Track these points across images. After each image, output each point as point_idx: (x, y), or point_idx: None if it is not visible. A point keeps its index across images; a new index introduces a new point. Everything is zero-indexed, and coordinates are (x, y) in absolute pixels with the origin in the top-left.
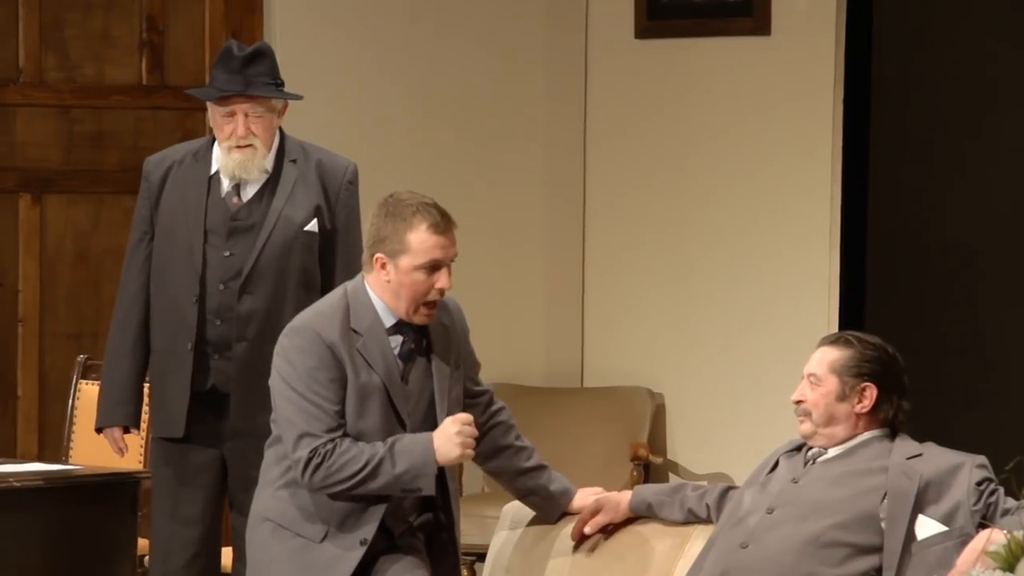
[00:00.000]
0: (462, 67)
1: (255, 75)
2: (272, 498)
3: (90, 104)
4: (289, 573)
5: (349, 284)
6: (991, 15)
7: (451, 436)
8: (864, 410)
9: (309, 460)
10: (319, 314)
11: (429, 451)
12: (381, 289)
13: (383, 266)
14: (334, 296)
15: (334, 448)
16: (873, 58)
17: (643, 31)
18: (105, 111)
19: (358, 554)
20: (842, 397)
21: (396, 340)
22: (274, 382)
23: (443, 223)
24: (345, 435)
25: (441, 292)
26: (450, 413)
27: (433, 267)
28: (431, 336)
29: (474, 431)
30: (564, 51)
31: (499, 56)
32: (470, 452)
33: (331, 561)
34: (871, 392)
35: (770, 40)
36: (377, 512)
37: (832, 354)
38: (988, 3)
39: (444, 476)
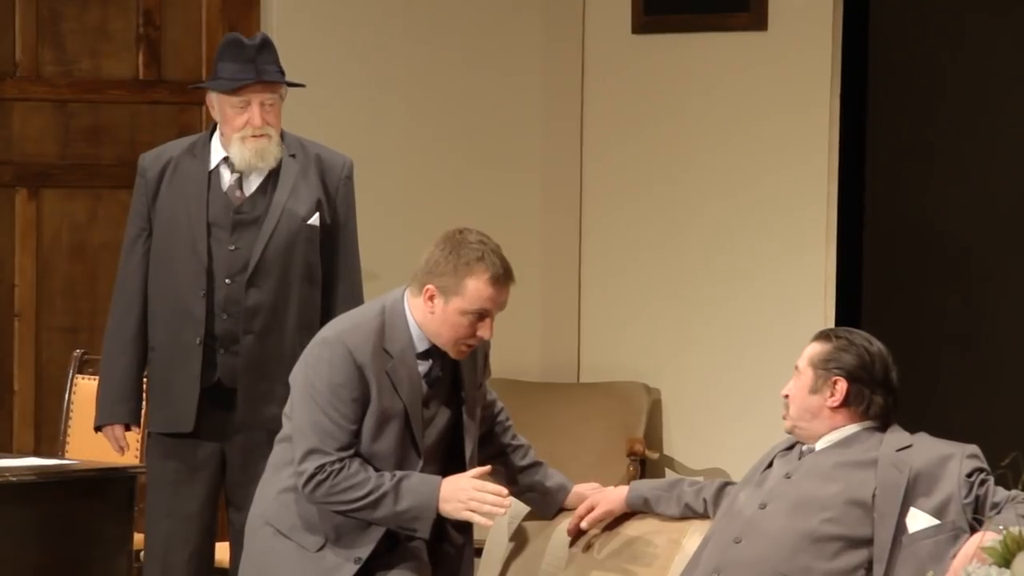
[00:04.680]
0: (459, 62)
1: (265, 63)
2: (275, 501)
3: (87, 98)
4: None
5: (388, 300)
6: (989, 10)
7: (460, 497)
8: (835, 404)
9: (313, 475)
10: (354, 328)
11: (433, 497)
12: (422, 316)
13: (431, 298)
14: (371, 311)
15: (342, 469)
16: (870, 53)
17: (640, 26)
18: (102, 105)
19: (351, 569)
20: (815, 390)
21: (425, 365)
22: (296, 384)
23: (504, 277)
24: (356, 455)
25: (480, 340)
26: (475, 443)
27: (480, 315)
28: (460, 363)
29: (485, 498)
30: (561, 46)
31: (496, 51)
32: (477, 518)
33: (327, 570)
34: (841, 386)
35: (767, 35)
36: (376, 532)
37: (814, 348)
38: None
39: None
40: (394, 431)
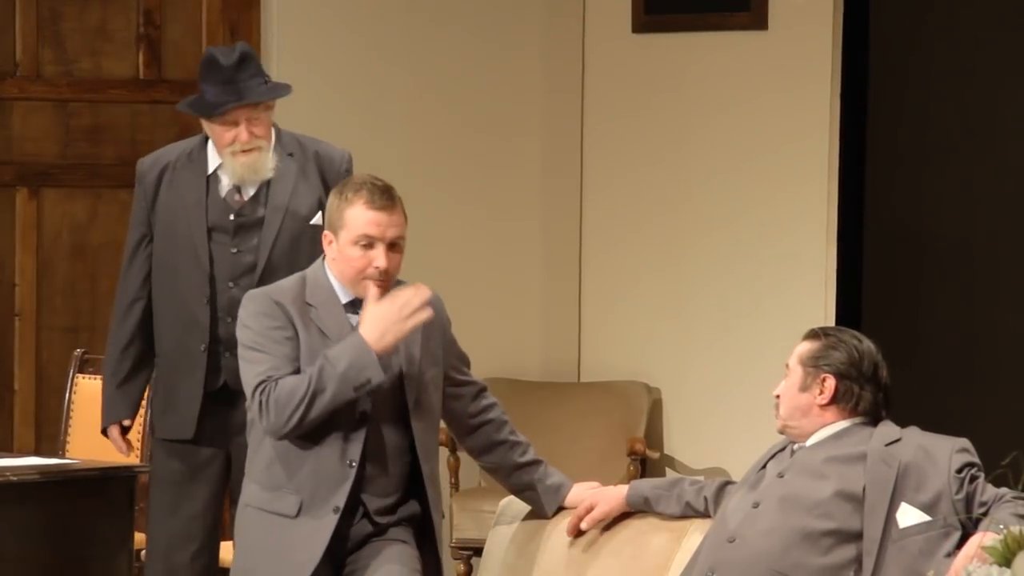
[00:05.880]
0: (461, 60)
1: (246, 79)
2: (253, 485)
3: (87, 98)
4: (267, 553)
5: (309, 268)
6: (989, 9)
7: (388, 321)
8: (824, 401)
9: (261, 404)
10: (276, 287)
11: (362, 342)
12: (334, 267)
13: (330, 243)
14: (294, 277)
15: (278, 381)
16: (870, 52)
17: (640, 25)
18: (102, 105)
19: (331, 522)
20: (804, 388)
21: (355, 318)
22: (239, 352)
23: (380, 200)
24: None
25: (380, 271)
26: (421, 393)
27: (367, 244)
28: None
29: (407, 302)
30: (562, 45)
31: (497, 49)
32: (410, 322)
33: (307, 535)
34: (830, 383)
35: (767, 34)
36: (348, 478)
37: (803, 347)
38: None
39: (417, 460)
40: None
